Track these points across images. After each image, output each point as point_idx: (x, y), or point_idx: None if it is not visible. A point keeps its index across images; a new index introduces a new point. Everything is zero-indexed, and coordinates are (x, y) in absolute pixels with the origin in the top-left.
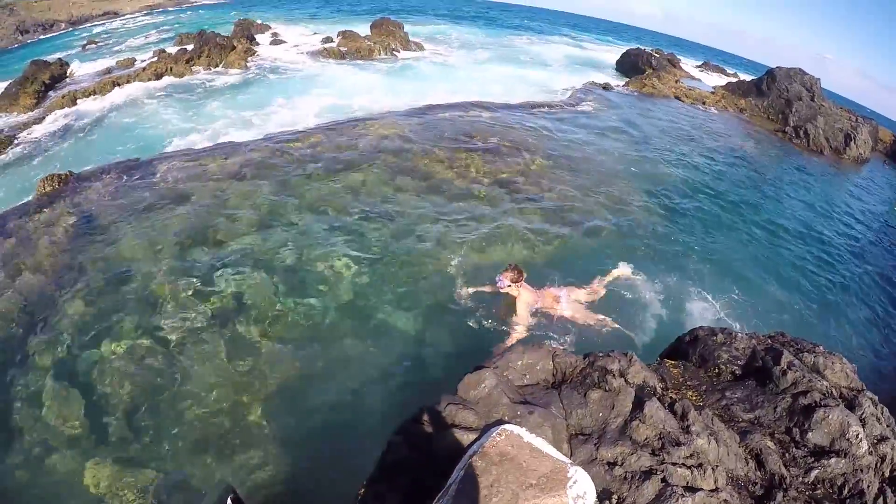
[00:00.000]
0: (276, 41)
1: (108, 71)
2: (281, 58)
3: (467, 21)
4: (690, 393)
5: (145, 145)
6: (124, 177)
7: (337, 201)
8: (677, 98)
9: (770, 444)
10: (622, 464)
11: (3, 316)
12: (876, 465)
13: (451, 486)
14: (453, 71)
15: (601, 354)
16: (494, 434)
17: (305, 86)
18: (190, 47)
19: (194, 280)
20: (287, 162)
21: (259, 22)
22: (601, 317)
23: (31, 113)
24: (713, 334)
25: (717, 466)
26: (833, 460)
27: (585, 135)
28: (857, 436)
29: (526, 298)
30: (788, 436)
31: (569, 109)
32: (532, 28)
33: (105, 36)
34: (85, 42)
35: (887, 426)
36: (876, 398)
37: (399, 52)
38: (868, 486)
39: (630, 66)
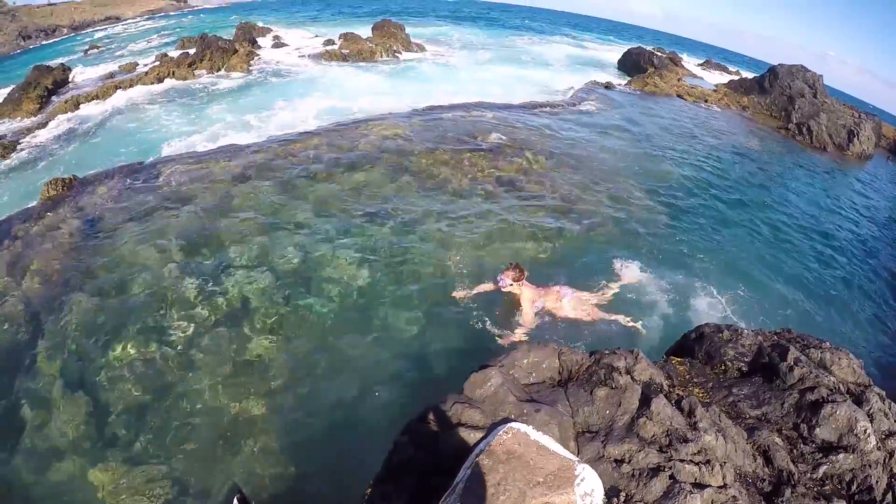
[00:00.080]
0: (278, 44)
1: (111, 75)
2: (283, 61)
3: (468, 22)
4: (697, 390)
5: (148, 148)
6: (128, 180)
7: (340, 202)
8: (679, 96)
9: (778, 440)
10: (630, 461)
11: (9, 319)
12: (884, 460)
13: (458, 485)
14: (455, 72)
15: (607, 352)
16: (501, 432)
17: (307, 88)
18: (192, 51)
19: (199, 282)
20: (290, 163)
21: (260, 25)
22: (605, 314)
23: (34, 118)
24: (719, 331)
25: (724, 463)
26: (841, 456)
27: (588, 134)
28: (865, 431)
29: (528, 297)
30: (796, 432)
31: (571, 109)
32: (533, 28)
33: (107, 41)
34: (87, 47)
35: (895, 421)
36: (883, 393)
37: (401, 53)
38: (876, 482)
39: (632, 65)
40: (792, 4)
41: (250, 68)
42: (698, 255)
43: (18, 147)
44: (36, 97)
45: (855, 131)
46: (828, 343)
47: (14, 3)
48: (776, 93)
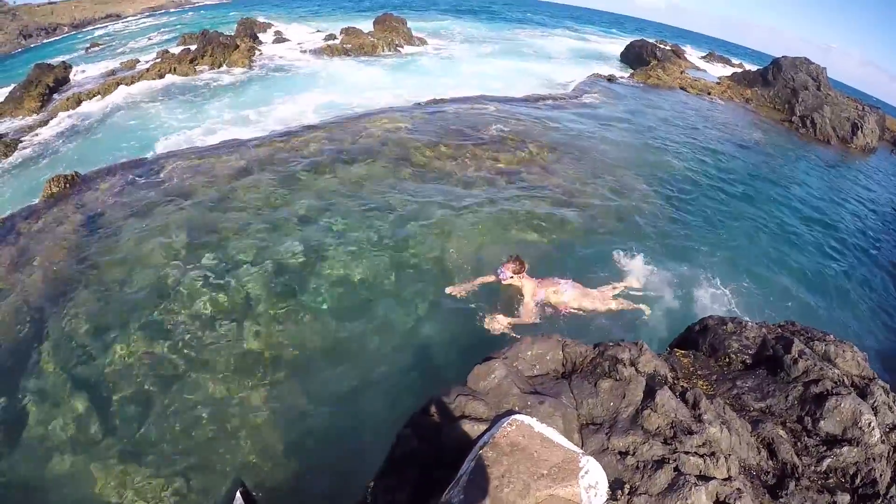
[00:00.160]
0: (279, 39)
1: (112, 72)
2: (284, 56)
3: (470, 15)
4: (701, 382)
5: (150, 144)
6: (130, 176)
7: (342, 195)
8: (682, 89)
9: (782, 432)
10: (634, 453)
11: (12, 316)
12: (888, 453)
13: (462, 478)
14: (457, 65)
15: (611, 344)
16: (505, 424)
17: (309, 83)
18: (193, 47)
19: (202, 277)
20: (292, 157)
21: (262, 20)
22: (608, 307)
23: (35, 116)
24: (723, 323)
25: (729, 455)
26: (845, 449)
27: (591, 126)
28: (870, 424)
29: (529, 289)
30: (800, 424)
31: (574, 101)
32: (535, 21)
33: (108, 38)
34: (88, 45)
35: None
36: (888, 386)
37: (403, 47)
38: (881, 475)
39: (634, 57)
40: None
41: (252, 64)
42: (702, 248)
43: (21, 145)
44: (37, 95)
45: (859, 124)
46: (832, 336)
47: (14, 2)
48: (779, 85)
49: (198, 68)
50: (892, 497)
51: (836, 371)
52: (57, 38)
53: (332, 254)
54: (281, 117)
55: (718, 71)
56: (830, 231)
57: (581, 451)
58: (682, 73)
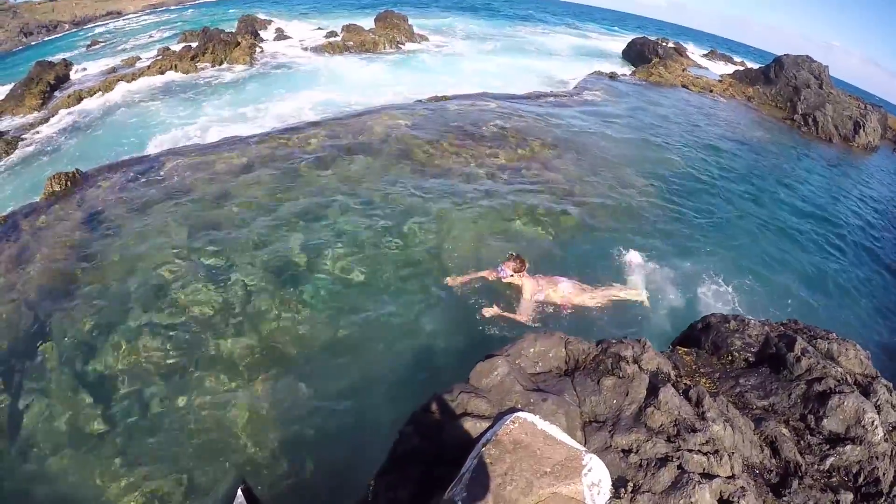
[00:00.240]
0: (280, 36)
1: (113, 70)
2: (286, 53)
3: (471, 12)
4: (704, 380)
5: (152, 142)
6: (131, 173)
7: (344, 191)
8: (684, 86)
9: (785, 431)
10: (637, 451)
11: (13, 314)
12: (892, 452)
13: (465, 475)
14: (459, 62)
15: (614, 341)
16: (508, 422)
17: (311, 80)
18: (194, 44)
19: (203, 275)
20: (293, 154)
21: (263, 18)
22: (609, 301)
23: (37, 113)
24: (726, 321)
25: (733, 453)
26: (848, 447)
27: (592, 123)
28: (873, 423)
29: (529, 288)
30: (803, 423)
31: (576, 98)
32: (537, 18)
33: (109, 36)
34: (89, 42)
35: None
36: (891, 385)
37: (404, 44)
38: (884, 474)
39: (636, 55)
40: None
41: (253, 61)
42: (704, 245)
43: (22, 142)
44: (38, 93)
45: (861, 123)
46: (834, 334)
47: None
48: (781, 83)
49: (199, 65)
50: (895, 496)
51: (839, 369)
52: (58, 35)
53: (333, 250)
54: (282, 114)
55: (720, 69)
56: (833, 229)
57: (584, 448)
58: (683, 70)
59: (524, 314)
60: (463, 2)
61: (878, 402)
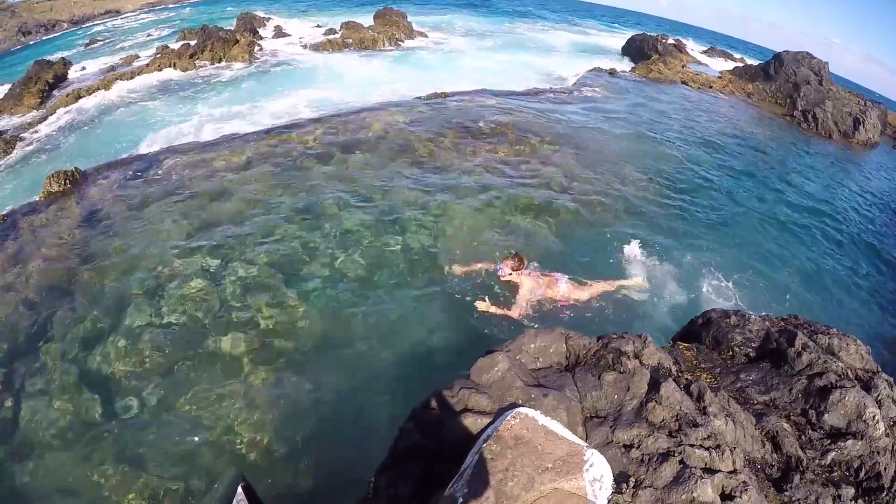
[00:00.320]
0: (279, 34)
1: (112, 68)
2: (284, 50)
3: (470, 8)
4: (704, 375)
5: (150, 140)
6: (131, 171)
7: (344, 188)
8: (684, 83)
9: (786, 426)
10: (639, 446)
11: (12, 312)
12: (893, 447)
13: (466, 471)
14: (459, 59)
15: (615, 336)
16: (509, 417)
17: (310, 77)
18: (193, 42)
19: (202, 273)
20: (293, 151)
21: (261, 15)
22: (609, 300)
23: (35, 112)
24: (726, 316)
25: (734, 448)
26: (850, 442)
27: (592, 119)
28: (874, 417)
29: (528, 286)
30: (804, 418)
31: (575, 95)
32: (536, 15)
33: (107, 34)
34: (87, 41)
35: None
36: (892, 380)
37: (403, 41)
38: (885, 469)
39: (636, 51)
40: None
41: (252, 58)
42: (704, 241)
43: (21, 141)
44: (37, 92)
45: (861, 119)
46: (835, 329)
47: None
48: (781, 80)
49: (198, 63)
50: None
51: (840, 364)
52: (56, 34)
53: (332, 246)
54: (281, 112)
55: (720, 65)
56: (833, 225)
57: (585, 444)
58: (683, 67)
59: (517, 311)
60: None
61: (879, 397)
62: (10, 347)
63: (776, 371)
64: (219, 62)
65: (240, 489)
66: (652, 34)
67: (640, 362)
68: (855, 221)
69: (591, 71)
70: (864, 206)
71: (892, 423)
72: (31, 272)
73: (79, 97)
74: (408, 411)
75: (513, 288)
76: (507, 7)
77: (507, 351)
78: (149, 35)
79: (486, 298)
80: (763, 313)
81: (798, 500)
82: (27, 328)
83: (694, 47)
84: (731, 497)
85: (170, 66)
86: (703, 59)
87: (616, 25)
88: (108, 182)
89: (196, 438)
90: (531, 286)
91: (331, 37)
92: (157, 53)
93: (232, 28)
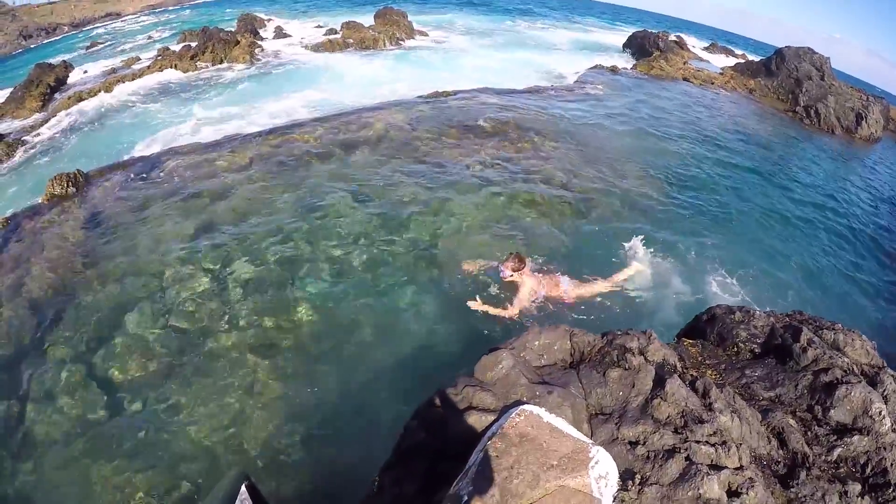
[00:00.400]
0: (280, 35)
1: (113, 71)
2: (285, 51)
3: (470, 7)
4: (710, 371)
5: (152, 141)
6: (133, 173)
7: (346, 187)
8: (686, 79)
9: (792, 422)
10: (644, 443)
11: (16, 313)
12: None
13: (470, 469)
14: (460, 57)
15: (619, 332)
16: (513, 415)
17: (311, 78)
18: (194, 44)
19: (205, 273)
20: (295, 151)
21: (262, 16)
22: (612, 296)
23: (37, 115)
24: (731, 312)
25: (740, 444)
26: (856, 438)
27: (594, 116)
28: (880, 413)
29: (529, 286)
30: (810, 414)
31: (577, 92)
32: (536, 12)
33: (108, 37)
34: (88, 44)
35: None
36: None
37: (404, 41)
38: (891, 465)
39: (637, 48)
40: None
41: (253, 59)
42: (708, 237)
43: (23, 144)
44: (39, 95)
45: (863, 114)
46: (840, 324)
47: (14, 2)
48: (783, 75)
49: (199, 65)
50: None
51: (846, 360)
52: (57, 37)
53: (335, 245)
54: (283, 112)
55: (721, 61)
56: (837, 220)
57: (591, 441)
58: (684, 63)
59: (514, 310)
60: None
61: (886, 393)
62: (14, 349)
63: (781, 367)
64: (220, 63)
65: (243, 488)
66: (653, 31)
67: (645, 359)
68: (859, 216)
69: (592, 68)
70: (868, 201)
71: None
72: (35, 274)
73: (80, 100)
74: (411, 409)
75: (515, 288)
76: (507, 5)
77: (511, 348)
78: (149, 37)
79: (478, 297)
80: (768, 309)
81: (804, 496)
82: (32, 329)
83: (695, 44)
84: (737, 494)
85: (171, 67)
86: (705, 55)
87: (617, 23)
88: (110, 184)
89: (199, 438)
90: (532, 286)
91: (331, 37)
92: (158, 55)
93: (233, 29)
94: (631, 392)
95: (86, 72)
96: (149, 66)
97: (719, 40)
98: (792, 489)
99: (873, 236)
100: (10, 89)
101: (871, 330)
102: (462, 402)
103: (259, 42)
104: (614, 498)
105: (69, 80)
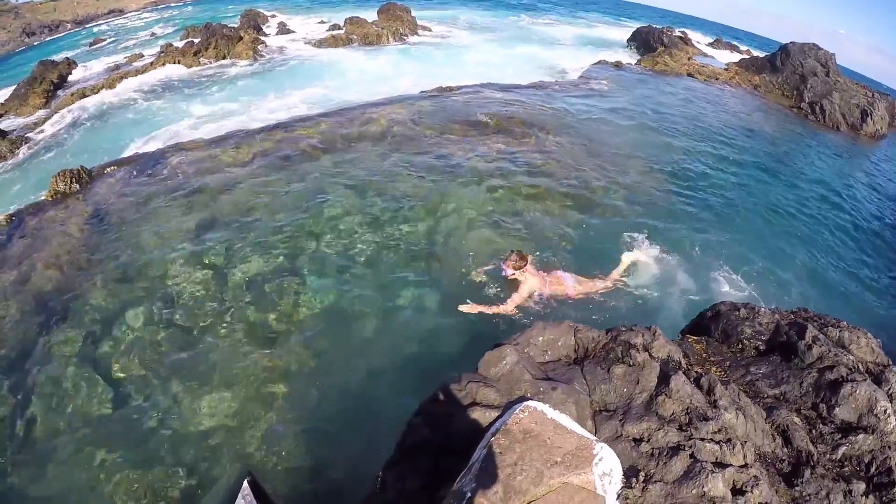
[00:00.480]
0: (283, 30)
1: (116, 67)
2: (288, 47)
3: (475, 2)
4: (714, 368)
5: (156, 137)
6: (136, 169)
7: (349, 183)
8: (690, 75)
9: (797, 419)
10: (649, 440)
11: (21, 310)
12: None
13: (474, 465)
14: (463, 53)
15: (624, 329)
16: (517, 411)
17: (315, 73)
18: (197, 40)
19: (211, 269)
20: (298, 147)
21: (265, 12)
22: (616, 292)
23: (40, 112)
24: (735, 309)
25: (745, 442)
26: (861, 437)
27: (598, 112)
28: (886, 411)
29: (531, 284)
30: (815, 412)
31: (581, 88)
32: (541, 8)
33: (111, 33)
34: (91, 41)
35: None
36: None
37: (407, 36)
38: None
39: (641, 43)
40: None
41: (256, 55)
42: (713, 233)
43: (26, 141)
44: (42, 92)
45: (868, 111)
46: (845, 322)
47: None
48: (788, 71)
49: (202, 61)
50: None
51: (851, 357)
52: (60, 35)
53: (339, 240)
54: (287, 108)
55: (726, 57)
56: (843, 217)
57: (595, 438)
58: (689, 59)
59: (508, 306)
60: None
61: (891, 391)
62: (19, 345)
63: (786, 364)
64: (223, 59)
65: (245, 483)
66: (657, 27)
67: (650, 355)
68: (864, 213)
69: (596, 64)
70: (874, 197)
71: None
72: (39, 271)
73: (83, 96)
74: (415, 406)
75: (516, 286)
76: (511, 0)
77: (515, 344)
78: (152, 34)
79: (469, 301)
80: (773, 306)
81: (808, 495)
82: (36, 325)
83: (700, 39)
84: (741, 492)
85: (174, 63)
86: (709, 51)
87: (621, 18)
88: (114, 180)
89: (202, 433)
90: (534, 284)
91: (335, 33)
92: (161, 52)
93: (236, 25)
94: (635, 389)
95: (88, 68)
96: (152, 63)
97: (724, 36)
98: (796, 487)
99: (879, 233)
100: (14, 86)
101: (877, 328)
102: (466, 398)
103: (262, 38)
104: (618, 495)
105: (72, 77)
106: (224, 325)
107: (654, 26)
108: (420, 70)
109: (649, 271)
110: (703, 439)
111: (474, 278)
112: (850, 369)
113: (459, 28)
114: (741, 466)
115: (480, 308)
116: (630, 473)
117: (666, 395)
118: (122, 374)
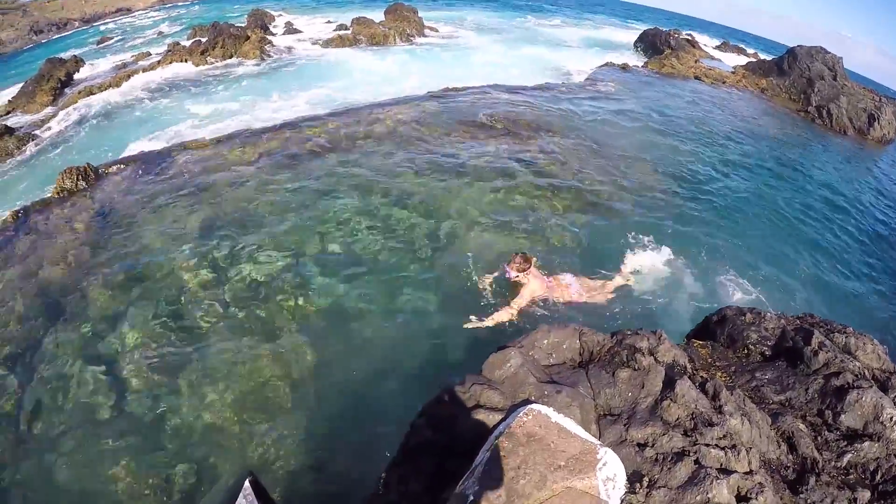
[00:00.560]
0: (290, 30)
1: (123, 65)
2: (295, 47)
3: (482, 3)
4: (720, 374)
5: (162, 136)
6: (142, 167)
7: (354, 182)
8: (697, 78)
9: (802, 426)
10: (653, 445)
11: (26, 306)
12: None
13: (477, 468)
14: (470, 54)
15: (629, 332)
16: (521, 414)
17: (321, 73)
18: (204, 39)
19: (216, 267)
20: (305, 147)
21: (272, 12)
22: (621, 296)
23: (48, 109)
24: (741, 314)
25: (750, 448)
26: (867, 444)
27: (605, 114)
28: (892, 419)
29: (533, 287)
30: (820, 418)
31: (588, 90)
32: (548, 10)
33: (118, 32)
34: (98, 39)
35: None
36: None
37: (414, 37)
38: None
39: (648, 46)
40: None
41: (263, 55)
42: (719, 237)
43: (33, 138)
44: (49, 89)
45: (876, 115)
46: (851, 328)
47: None
48: (795, 75)
49: (209, 60)
50: None
51: (857, 364)
52: (67, 33)
53: (343, 239)
54: (293, 107)
55: (733, 60)
56: (850, 222)
57: (599, 442)
58: (696, 62)
59: (511, 310)
60: None
61: None
62: (24, 341)
63: (792, 370)
64: (230, 59)
65: (247, 483)
66: (664, 29)
67: (655, 359)
68: (871, 219)
69: (603, 66)
70: (880, 202)
71: None
72: (44, 267)
73: (90, 94)
74: (418, 407)
75: (519, 289)
76: (518, 2)
77: (519, 347)
78: (159, 32)
79: (472, 317)
80: (779, 311)
81: (813, 502)
82: (41, 321)
83: (707, 42)
84: (746, 499)
85: (181, 62)
86: (716, 53)
87: (628, 20)
88: (120, 178)
89: (204, 432)
90: (536, 287)
91: (341, 33)
92: (168, 50)
93: (243, 25)
94: (640, 393)
95: (96, 66)
96: (159, 62)
97: (731, 39)
98: (801, 495)
99: (886, 238)
100: (21, 84)
101: (883, 333)
102: (470, 401)
103: (269, 37)
104: (622, 500)
105: (79, 75)
106: (228, 323)
107: (660, 29)
108: (426, 71)
109: (655, 275)
110: (707, 445)
111: (479, 285)
112: (857, 376)
113: (466, 29)
114: (746, 473)
115: (485, 323)
116: (634, 478)
117: (671, 399)
118: (124, 373)
